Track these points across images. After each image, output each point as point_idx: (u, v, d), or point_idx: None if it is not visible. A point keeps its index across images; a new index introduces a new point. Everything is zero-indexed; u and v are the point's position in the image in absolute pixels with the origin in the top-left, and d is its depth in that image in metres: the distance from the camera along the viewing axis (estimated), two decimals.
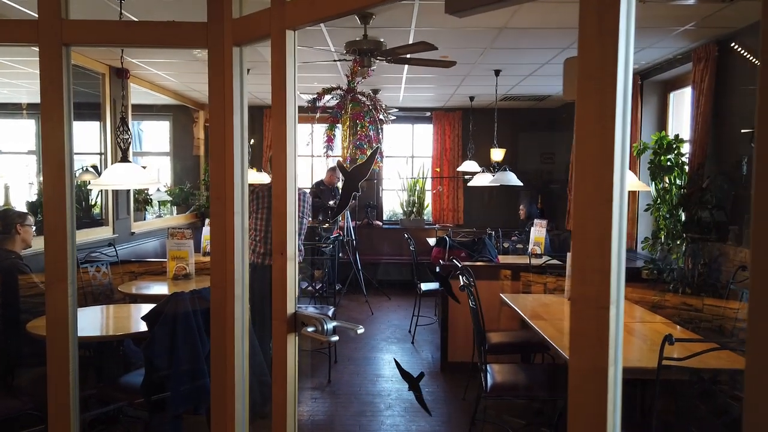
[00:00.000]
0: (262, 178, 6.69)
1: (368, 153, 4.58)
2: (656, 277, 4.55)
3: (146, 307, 3.88)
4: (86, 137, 6.44)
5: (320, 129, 4.54)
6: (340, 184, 8.46)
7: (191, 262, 4.57)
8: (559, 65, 5.51)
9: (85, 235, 5.35)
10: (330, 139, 4.03)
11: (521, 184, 6.17)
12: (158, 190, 7.44)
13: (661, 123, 5.68)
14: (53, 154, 2.05)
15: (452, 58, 4.41)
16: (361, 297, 7.41)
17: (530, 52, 5.07)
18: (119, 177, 3.23)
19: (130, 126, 3.74)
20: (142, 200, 6.92)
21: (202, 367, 2.70)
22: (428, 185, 8.80)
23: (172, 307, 2.68)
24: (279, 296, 1.92)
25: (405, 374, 1.70)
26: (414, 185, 8.71)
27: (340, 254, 6.82)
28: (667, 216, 4.57)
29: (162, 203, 7.88)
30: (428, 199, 8.86)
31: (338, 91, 4.08)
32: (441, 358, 4.83)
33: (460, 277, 3.47)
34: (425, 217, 8.80)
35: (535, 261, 5.20)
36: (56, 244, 2.05)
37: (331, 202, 7.56)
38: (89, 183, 5.99)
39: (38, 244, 3.98)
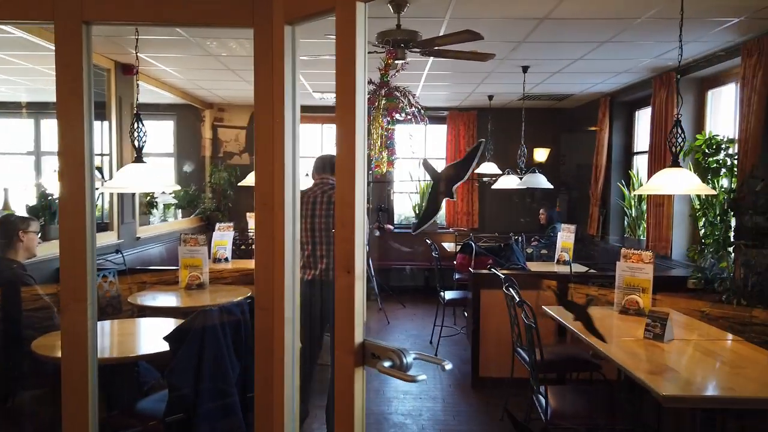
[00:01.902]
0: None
1: (385, 155, 4.26)
2: (703, 286, 4.26)
3: (159, 322, 3.55)
4: None
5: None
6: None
7: (205, 270, 4.24)
8: (593, 61, 5.21)
9: None
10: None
11: (551, 186, 5.85)
12: (163, 192, 7.10)
13: (698, 122, 5.39)
14: (71, 152, 1.74)
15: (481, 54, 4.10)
16: (374, 304, 7.09)
17: (565, 47, 4.78)
18: (135, 179, 2.91)
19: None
20: (147, 203, 6.59)
21: (232, 393, 2.39)
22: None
23: (199, 325, 2.36)
24: (344, 322, 1.61)
25: (523, 429, 1.39)
26: (427, 188, 8.40)
27: None
28: (715, 221, 4.29)
29: (166, 206, 7.54)
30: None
31: (371, 86, 3.77)
32: (472, 372, 4.52)
33: (508, 288, 3.17)
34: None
35: (575, 269, 4.89)
36: (73, 257, 1.74)
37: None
38: (102, 185, 5.66)
39: (43, 251, 3.65)
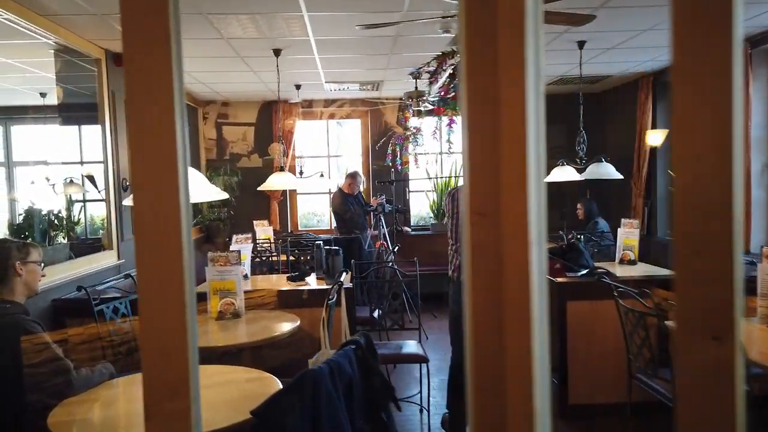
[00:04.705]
0: (288, 180, 5.54)
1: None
2: None
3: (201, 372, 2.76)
4: (70, 142, 5.26)
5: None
6: (362, 188, 7.37)
7: (240, 296, 3.47)
8: (660, 32, 4.59)
9: (86, 264, 4.19)
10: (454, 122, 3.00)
11: (621, 176, 5.21)
12: None
13: None
14: (157, 153, 0.96)
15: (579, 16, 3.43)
16: (403, 317, 6.34)
17: (640, 14, 4.14)
18: None
19: None
20: None
21: None
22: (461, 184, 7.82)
23: (308, 394, 1.62)
24: None
25: None
26: (446, 185, 7.71)
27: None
28: None
29: None
30: None
31: (432, 64, 3.06)
32: (559, 400, 3.83)
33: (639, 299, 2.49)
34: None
35: (649, 272, 4.26)
36: (165, 330, 0.97)
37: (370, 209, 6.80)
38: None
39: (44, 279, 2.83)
